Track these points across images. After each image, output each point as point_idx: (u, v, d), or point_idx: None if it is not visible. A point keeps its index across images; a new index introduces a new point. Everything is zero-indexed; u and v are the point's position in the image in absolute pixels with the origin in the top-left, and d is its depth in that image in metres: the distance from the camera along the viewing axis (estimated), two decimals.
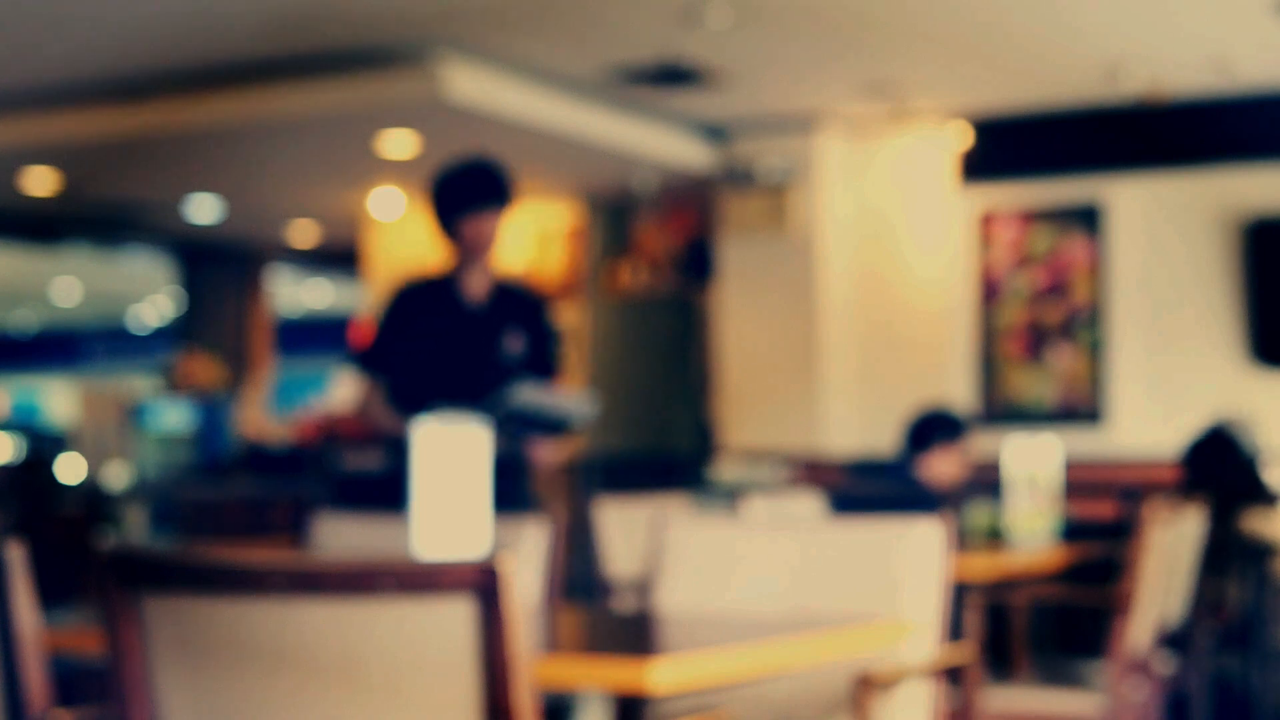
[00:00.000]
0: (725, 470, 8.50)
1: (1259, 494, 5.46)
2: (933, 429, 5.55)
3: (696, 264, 9.52)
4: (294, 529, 6.48)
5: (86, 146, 8.37)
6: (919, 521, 3.15)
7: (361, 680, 1.81)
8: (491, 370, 4.62)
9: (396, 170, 8.98)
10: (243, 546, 5.52)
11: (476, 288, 4.71)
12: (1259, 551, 5.24)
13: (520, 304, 4.81)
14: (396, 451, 4.35)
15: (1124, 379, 8.10)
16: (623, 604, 4.89)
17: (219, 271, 12.20)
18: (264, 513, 8.32)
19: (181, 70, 7.50)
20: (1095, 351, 8.16)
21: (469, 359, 4.68)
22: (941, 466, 5.49)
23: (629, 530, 5.12)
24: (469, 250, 4.65)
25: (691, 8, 6.48)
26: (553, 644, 2.50)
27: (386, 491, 3.54)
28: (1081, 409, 8.16)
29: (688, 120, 8.57)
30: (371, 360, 4.71)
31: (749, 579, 3.18)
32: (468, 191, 4.66)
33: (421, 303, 4.73)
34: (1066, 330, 8.24)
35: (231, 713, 1.88)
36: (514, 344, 4.72)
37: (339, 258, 12.52)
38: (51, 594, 2.56)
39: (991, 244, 8.41)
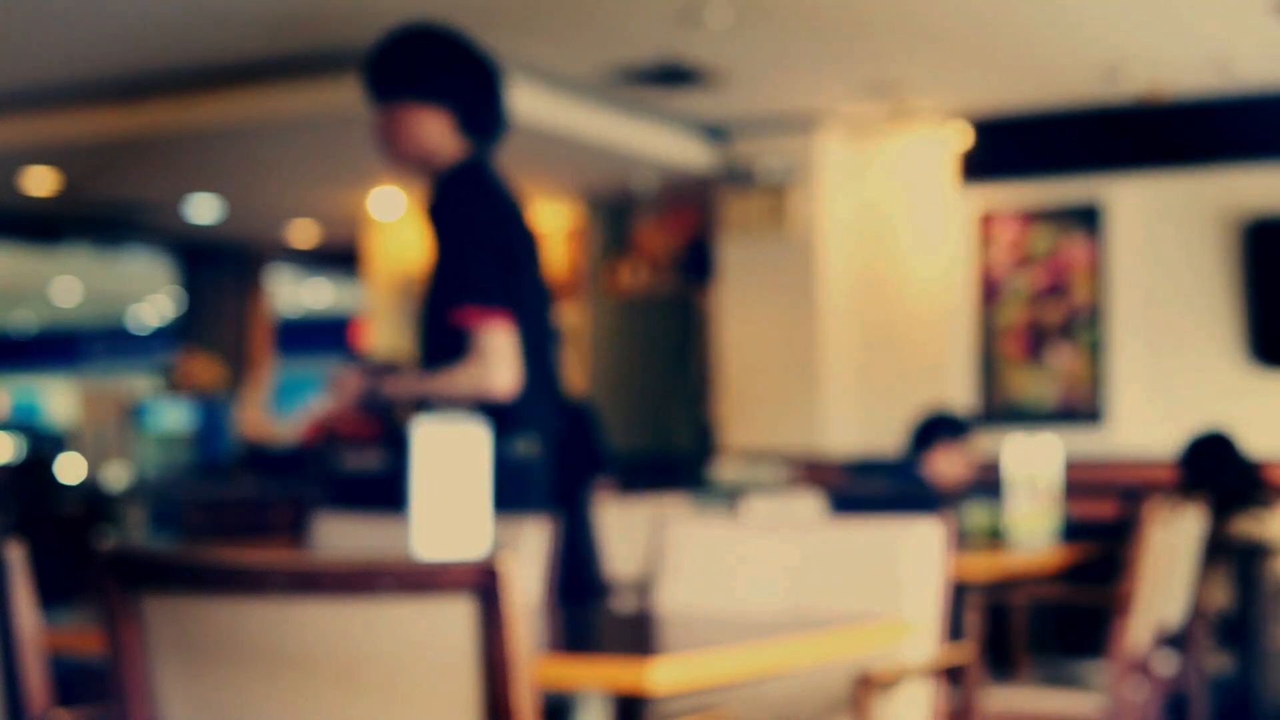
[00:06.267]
0: (725, 470, 8.50)
1: (1255, 496, 5.49)
2: (936, 428, 5.64)
3: (696, 264, 9.52)
4: (294, 529, 6.47)
5: (86, 146, 8.37)
6: (919, 521, 3.15)
7: (361, 680, 1.81)
8: None
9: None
10: (243, 546, 5.52)
11: None
12: (1250, 552, 5.25)
13: None
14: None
15: (1124, 379, 8.10)
16: (623, 604, 4.89)
17: (219, 271, 12.20)
18: (264, 513, 8.31)
19: (181, 70, 7.49)
20: (1095, 351, 8.16)
21: None
22: (945, 465, 5.56)
23: (629, 530, 5.12)
24: None
25: (691, 8, 6.48)
26: (553, 644, 2.50)
27: (385, 491, 3.48)
28: (1081, 409, 8.16)
29: (688, 120, 8.57)
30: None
31: (749, 579, 3.18)
32: None
33: None
34: (1066, 330, 8.24)
35: (231, 713, 1.88)
36: None
37: (339, 258, 12.52)
38: (51, 594, 2.56)
39: (991, 244, 8.41)
